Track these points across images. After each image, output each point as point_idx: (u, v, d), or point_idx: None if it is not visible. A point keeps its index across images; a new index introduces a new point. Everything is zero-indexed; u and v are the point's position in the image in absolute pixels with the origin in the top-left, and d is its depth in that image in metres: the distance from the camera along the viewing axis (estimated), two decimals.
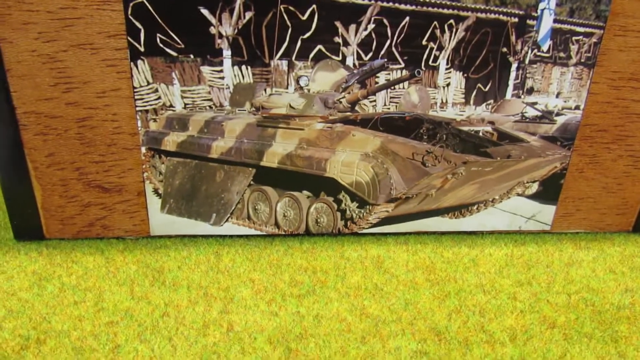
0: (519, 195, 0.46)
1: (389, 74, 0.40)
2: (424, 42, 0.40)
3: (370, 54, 0.40)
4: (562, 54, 0.41)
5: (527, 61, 0.41)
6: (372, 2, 0.38)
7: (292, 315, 0.35)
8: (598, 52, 0.41)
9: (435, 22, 0.39)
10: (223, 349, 0.32)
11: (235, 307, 0.36)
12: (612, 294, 0.39)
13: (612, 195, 0.47)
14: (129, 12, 0.36)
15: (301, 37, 0.38)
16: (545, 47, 0.41)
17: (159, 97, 0.39)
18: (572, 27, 0.40)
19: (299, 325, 0.34)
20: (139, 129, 0.40)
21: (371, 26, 0.38)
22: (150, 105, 0.40)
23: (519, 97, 0.43)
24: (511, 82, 0.42)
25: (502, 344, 0.33)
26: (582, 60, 0.42)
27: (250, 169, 0.43)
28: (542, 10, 0.39)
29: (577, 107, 0.43)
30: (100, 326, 0.34)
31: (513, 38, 0.40)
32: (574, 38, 0.41)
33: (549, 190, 0.46)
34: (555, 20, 0.40)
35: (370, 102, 0.41)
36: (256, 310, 0.36)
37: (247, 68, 0.39)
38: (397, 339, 0.33)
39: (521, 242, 0.47)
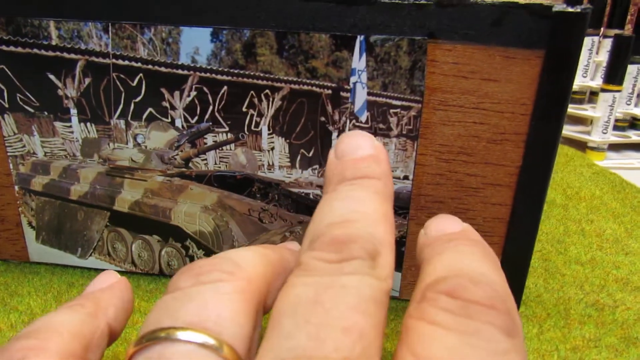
0: None
1: (215, 136, 0.43)
2: (244, 109, 0.42)
3: (196, 118, 0.43)
4: (382, 125, 0.42)
5: (347, 130, 0.42)
6: (191, 72, 0.42)
7: None
8: (420, 125, 0.41)
9: (252, 92, 0.42)
10: None
11: None
12: None
13: None
14: None
15: (133, 100, 0.43)
16: (363, 118, 0.42)
17: (24, 146, 0.46)
18: (388, 100, 0.41)
19: None
20: (12, 170, 0.47)
21: (193, 93, 0.42)
22: (18, 151, 0.47)
23: None
24: None
25: None
26: (404, 132, 0.42)
27: (105, 211, 0.48)
28: (354, 83, 0.40)
29: (405, 177, 0.43)
30: None
31: (329, 108, 0.42)
32: (391, 110, 0.41)
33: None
34: (369, 93, 0.41)
35: (202, 160, 0.44)
36: None
37: (91, 125, 0.44)
38: None
39: None
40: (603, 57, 1.09)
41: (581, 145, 1.04)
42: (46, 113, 0.45)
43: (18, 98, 0.44)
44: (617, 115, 0.96)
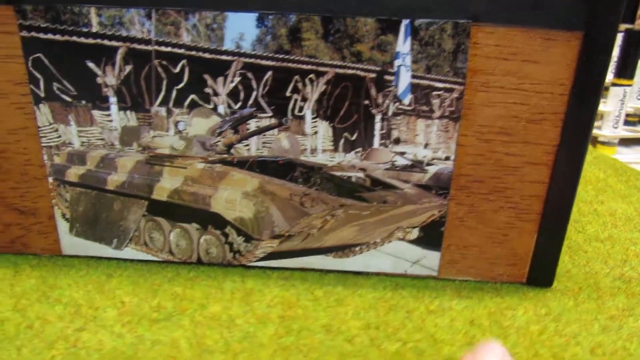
0: (400, 239, 0.48)
1: (258, 121, 0.44)
2: (288, 94, 0.43)
3: (239, 104, 0.43)
4: (424, 107, 0.43)
5: (390, 113, 0.43)
6: (235, 58, 0.42)
7: (135, 338, 0.39)
8: (462, 107, 0.42)
9: (297, 76, 0.42)
10: None
11: (93, 326, 0.40)
12: (450, 346, 0.39)
13: (499, 245, 0.47)
14: (29, 64, 0.43)
15: (175, 87, 0.43)
16: (406, 101, 0.43)
17: (60, 135, 0.45)
18: (431, 83, 0.42)
19: (132, 348, 0.38)
20: (46, 161, 0.47)
21: (237, 79, 0.42)
22: (53, 142, 0.46)
23: (387, 146, 0.44)
24: (377, 132, 0.44)
25: None
26: (446, 114, 0.43)
27: (143, 200, 0.47)
28: (399, 66, 0.41)
29: (447, 158, 0.44)
30: None
31: (373, 92, 0.42)
32: (434, 93, 0.42)
33: (431, 237, 0.47)
34: (413, 76, 0.42)
35: (245, 146, 0.44)
36: (108, 331, 0.40)
37: (131, 113, 0.44)
38: None
39: (401, 286, 0.48)
40: (613, 51, 1.12)
41: (591, 140, 1.07)
42: (84, 102, 0.44)
43: (55, 87, 0.44)
44: (628, 110, 0.99)
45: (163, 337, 0.39)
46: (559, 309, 0.45)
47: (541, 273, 0.48)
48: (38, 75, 0.43)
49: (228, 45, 0.41)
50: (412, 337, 0.40)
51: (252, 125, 0.44)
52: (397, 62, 0.41)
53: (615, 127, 0.90)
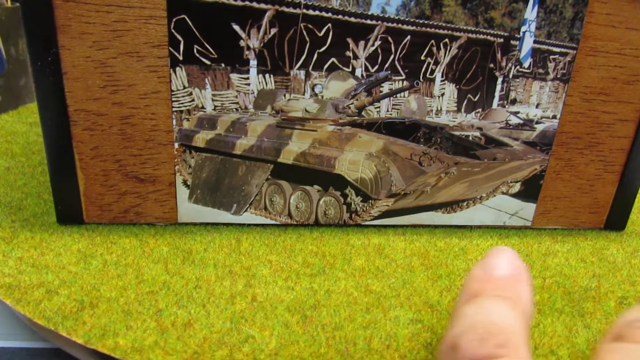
0: (503, 193, 0.53)
1: (391, 84, 0.46)
2: (422, 58, 0.46)
3: (376, 67, 0.46)
4: (541, 70, 0.48)
5: (510, 76, 0.48)
6: (379, 22, 0.44)
7: (306, 290, 0.41)
8: (572, 69, 0.48)
9: (433, 41, 0.45)
10: (249, 315, 0.38)
11: (257, 282, 0.42)
12: (582, 278, 0.45)
13: (586, 195, 0.54)
14: (172, 26, 0.42)
15: (317, 50, 0.45)
16: (526, 64, 0.47)
17: (193, 100, 0.45)
18: (550, 48, 0.47)
19: (312, 298, 0.40)
20: (174, 127, 0.46)
21: (377, 43, 0.45)
22: (185, 106, 0.46)
23: (504, 106, 0.49)
24: (497, 94, 0.48)
25: None
26: (558, 76, 0.48)
27: (269, 164, 0.48)
28: (524, 32, 0.46)
29: (554, 117, 0.50)
30: (142, 294, 0.39)
31: (499, 56, 0.47)
32: (551, 57, 0.47)
33: (530, 190, 0.53)
34: (535, 41, 0.46)
35: (375, 108, 0.47)
36: (275, 285, 0.41)
37: (270, 76, 0.45)
38: (396, 310, 0.39)
39: (505, 236, 0.53)
40: None
41: None
42: (223, 65, 0.44)
43: (195, 50, 0.44)
44: None
45: (332, 287, 0.41)
46: None
47: (617, 218, 0.55)
48: (179, 38, 0.43)
49: (374, 9, 0.44)
50: (545, 274, 0.45)
51: (385, 88, 0.47)
52: (523, 28, 0.45)
53: None
